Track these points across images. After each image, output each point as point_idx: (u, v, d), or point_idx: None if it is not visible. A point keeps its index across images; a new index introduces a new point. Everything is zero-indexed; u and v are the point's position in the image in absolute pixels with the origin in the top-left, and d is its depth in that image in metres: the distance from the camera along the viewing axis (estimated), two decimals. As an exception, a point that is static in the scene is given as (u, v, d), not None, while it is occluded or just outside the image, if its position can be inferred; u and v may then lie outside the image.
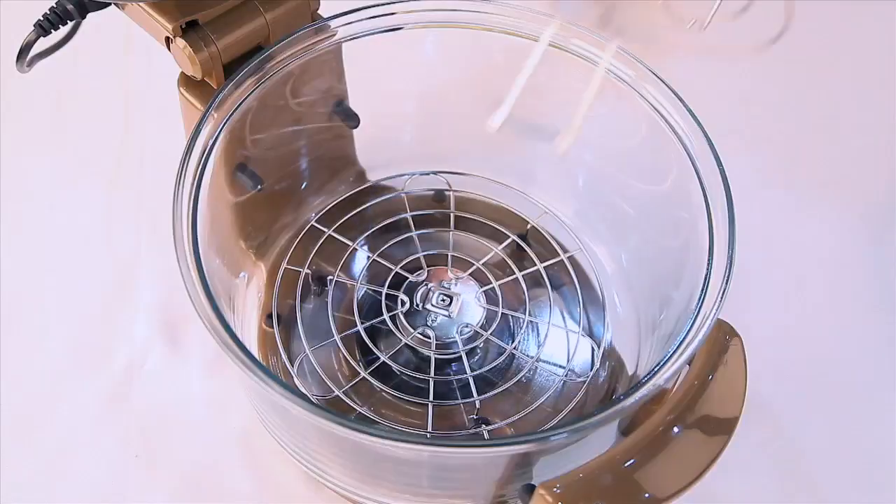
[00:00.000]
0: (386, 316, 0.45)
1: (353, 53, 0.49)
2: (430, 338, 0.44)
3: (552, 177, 0.50)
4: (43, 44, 0.44)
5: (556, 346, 0.45)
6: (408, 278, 0.46)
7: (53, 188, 0.62)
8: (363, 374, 0.43)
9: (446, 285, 0.46)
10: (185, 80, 0.47)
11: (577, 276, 0.47)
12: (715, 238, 0.41)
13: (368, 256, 0.49)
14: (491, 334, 0.44)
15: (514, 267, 0.46)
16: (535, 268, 0.47)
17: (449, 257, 0.47)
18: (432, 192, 0.53)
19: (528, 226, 0.48)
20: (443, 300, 0.45)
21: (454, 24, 0.49)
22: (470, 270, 0.46)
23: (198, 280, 0.38)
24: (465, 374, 0.43)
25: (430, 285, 0.46)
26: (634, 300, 0.46)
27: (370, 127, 0.50)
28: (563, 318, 0.46)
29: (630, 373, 0.49)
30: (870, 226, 0.62)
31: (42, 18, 0.43)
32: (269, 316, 0.49)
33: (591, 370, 0.46)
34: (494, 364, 0.44)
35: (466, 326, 0.44)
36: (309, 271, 0.49)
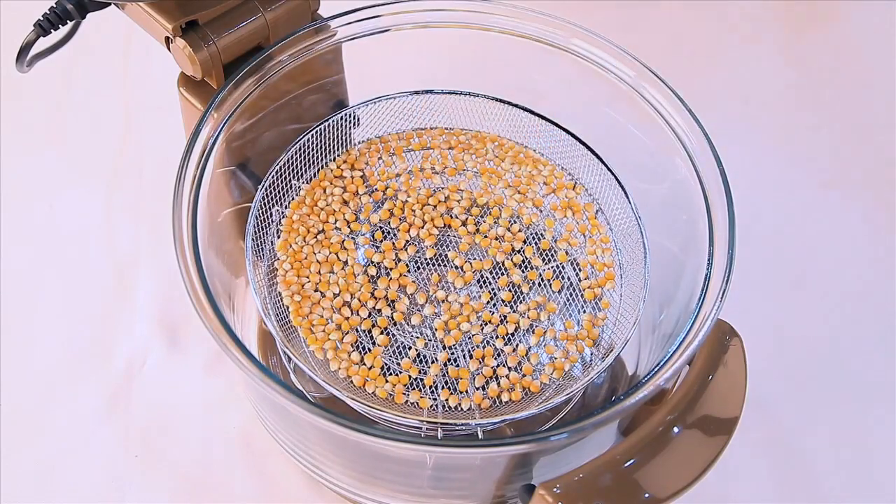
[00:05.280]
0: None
1: (353, 53, 0.49)
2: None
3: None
4: (43, 43, 0.44)
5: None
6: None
7: (53, 188, 0.62)
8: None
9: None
10: (185, 80, 0.47)
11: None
12: (715, 238, 0.41)
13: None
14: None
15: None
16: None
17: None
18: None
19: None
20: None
21: (455, 24, 0.49)
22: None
23: (198, 280, 0.38)
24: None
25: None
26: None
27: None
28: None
29: (630, 373, 0.49)
30: (870, 226, 0.62)
31: (42, 18, 0.43)
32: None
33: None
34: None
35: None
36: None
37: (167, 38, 0.44)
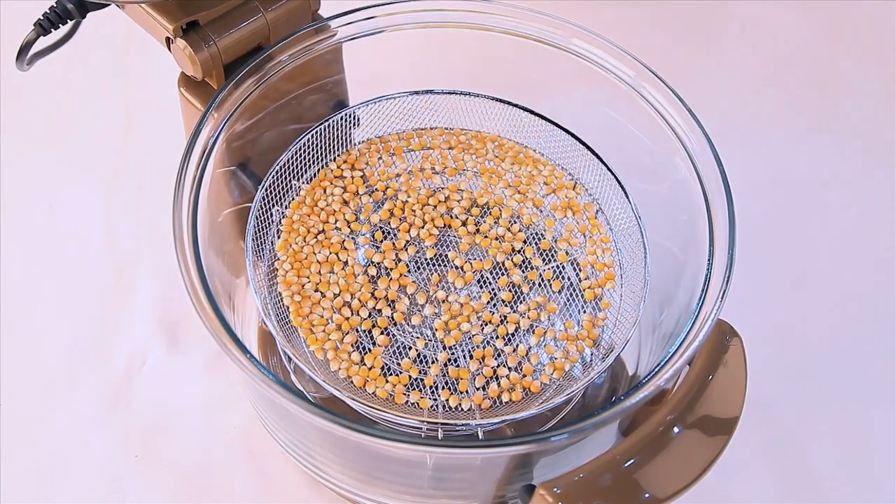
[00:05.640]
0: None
1: (353, 53, 0.49)
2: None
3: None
4: (43, 43, 0.44)
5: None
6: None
7: (53, 188, 0.62)
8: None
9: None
10: (185, 80, 0.47)
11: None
12: (715, 238, 0.41)
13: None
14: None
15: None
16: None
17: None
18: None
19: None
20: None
21: (455, 24, 0.49)
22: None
23: (198, 280, 0.38)
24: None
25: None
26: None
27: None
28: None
29: (630, 373, 0.49)
30: (870, 226, 0.62)
31: (42, 18, 0.43)
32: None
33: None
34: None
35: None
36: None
37: (168, 39, 0.44)
